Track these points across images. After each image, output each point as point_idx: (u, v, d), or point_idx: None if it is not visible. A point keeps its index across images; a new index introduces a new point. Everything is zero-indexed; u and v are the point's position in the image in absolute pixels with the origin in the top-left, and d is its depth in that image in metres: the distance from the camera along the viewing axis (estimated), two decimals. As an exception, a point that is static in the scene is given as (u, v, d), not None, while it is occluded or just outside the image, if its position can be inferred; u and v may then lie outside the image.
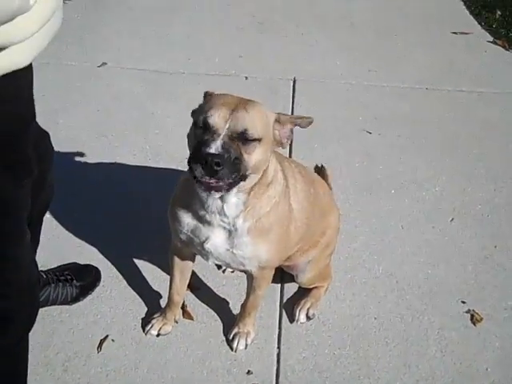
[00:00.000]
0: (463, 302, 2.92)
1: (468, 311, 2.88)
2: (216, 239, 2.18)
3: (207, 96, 2.05)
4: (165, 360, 2.66)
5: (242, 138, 1.85)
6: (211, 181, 1.85)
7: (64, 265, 2.88)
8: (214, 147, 1.79)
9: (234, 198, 2.05)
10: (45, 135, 2.16)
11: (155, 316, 2.74)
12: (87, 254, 3.00)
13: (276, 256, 2.31)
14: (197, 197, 2.09)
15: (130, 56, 4.16)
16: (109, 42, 4.38)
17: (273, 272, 2.46)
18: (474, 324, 2.84)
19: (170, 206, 2.29)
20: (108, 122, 3.70)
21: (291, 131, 2.03)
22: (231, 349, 2.69)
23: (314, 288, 2.82)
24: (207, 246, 2.20)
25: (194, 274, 2.80)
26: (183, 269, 2.56)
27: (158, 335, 2.72)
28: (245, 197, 2.06)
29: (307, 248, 2.59)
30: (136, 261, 2.99)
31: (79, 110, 3.76)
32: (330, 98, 3.97)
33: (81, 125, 3.67)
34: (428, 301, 2.92)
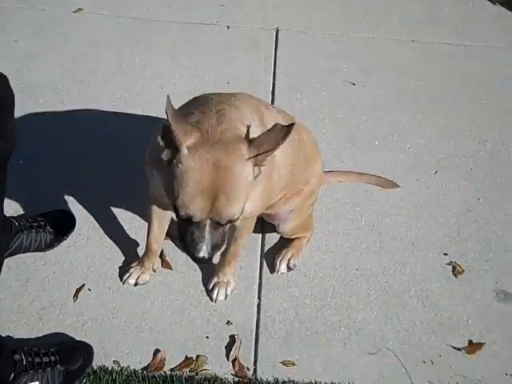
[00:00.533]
0: (445, 254, 2.89)
1: (450, 263, 2.86)
2: None
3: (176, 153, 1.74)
4: (143, 310, 2.61)
5: (226, 222, 1.81)
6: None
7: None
8: (202, 253, 1.81)
9: None
10: (2, 79, 2.03)
11: (133, 265, 2.68)
12: (63, 201, 2.92)
13: (260, 206, 2.23)
14: None
15: (106, 2, 4.00)
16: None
17: (254, 221, 2.40)
18: (456, 276, 2.82)
19: (148, 158, 2.16)
20: (84, 69, 3.57)
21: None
22: (211, 299, 2.64)
23: (295, 238, 2.77)
24: None
25: (172, 222, 2.73)
26: (161, 217, 2.49)
27: (135, 284, 2.66)
28: None
29: (290, 196, 2.52)
30: (113, 209, 2.91)
31: (54, 56, 3.62)
32: (314, 50, 3.87)
33: (56, 71, 3.54)
34: (410, 253, 2.89)
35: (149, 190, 2.32)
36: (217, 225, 1.79)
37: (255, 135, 1.78)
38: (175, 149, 1.72)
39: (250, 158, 1.73)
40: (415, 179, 3.19)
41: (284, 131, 1.70)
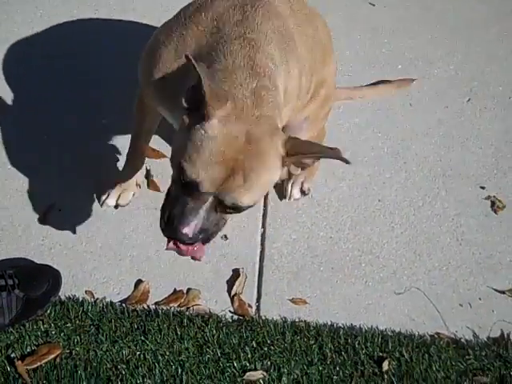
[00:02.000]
0: (482, 188, 2.46)
1: (488, 197, 2.43)
2: None
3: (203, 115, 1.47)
4: (123, 235, 2.17)
5: (229, 207, 1.49)
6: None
7: None
8: (191, 227, 1.48)
9: None
10: None
11: (109, 186, 2.22)
12: (32, 115, 2.46)
13: None
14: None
15: None
16: None
17: None
18: (495, 212, 2.39)
19: (147, 75, 1.77)
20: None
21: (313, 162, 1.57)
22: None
23: (306, 159, 2.32)
24: None
25: (160, 136, 2.30)
26: (152, 120, 2.06)
27: (116, 206, 2.20)
28: None
29: (306, 100, 2.08)
30: (89, 120, 2.45)
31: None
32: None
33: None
34: (441, 185, 2.45)
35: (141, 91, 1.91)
36: (218, 207, 1.49)
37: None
38: (201, 116, 1.44)
39: (283, 155, 1.49)
40: (445, 106, 2.75)
41: (331, 154, 1.51)
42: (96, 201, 2.23)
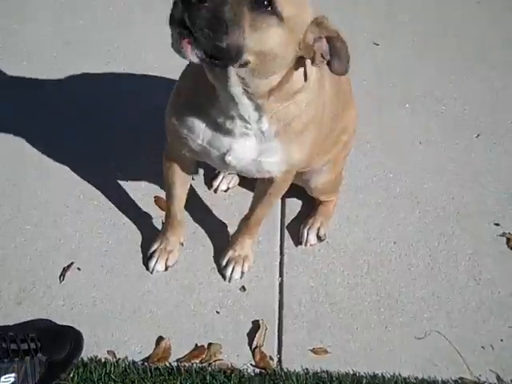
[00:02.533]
0: (497, 225, 2.47)
1: (503, 234, 2.43)
2: (240, 150, 1.71)
3: None
4: (142, 291, 2.19)
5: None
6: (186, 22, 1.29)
7: None
8: None
9: (247, 100, 1.56)
10: None
11: (155, 246, 2.25)
12: (47, 173, 2.49)
13: (306, 158, 1.84)
14: (212, 96, 1.61)
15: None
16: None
17: (294, 174, 1.97)
18: (511, 248, 2.38)
19: (172, 108, 1.78)
20: (72, 28, 3.14)
21: (330, 47, 1.48)
22: (224, 277, 2.22)
23: (320, 205, 2.35)
24: (229, 158, 1.73)
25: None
26: (183, 180, 2.07)
27: (166, 269, 2.23)
28: (260, 100, 1.56)
29: (328, 147, 2.11)
30: (105, 179, 2.48)
31: (37, 16, 3.20)
32: (333, 9, 3.44)
33: (38, 31, 3.11)
34: (455, 223, 2.46)
35: (169, 144, 1.92)
36: None
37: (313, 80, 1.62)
38: None
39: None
40: (454, 143, 2.77)
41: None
42: (115, 258, 2.25)
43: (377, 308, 2.19)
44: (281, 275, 2.26)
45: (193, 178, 2.29)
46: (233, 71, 1.45)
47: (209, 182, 2.48)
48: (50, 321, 2.08)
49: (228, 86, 1.51)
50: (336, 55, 1.48)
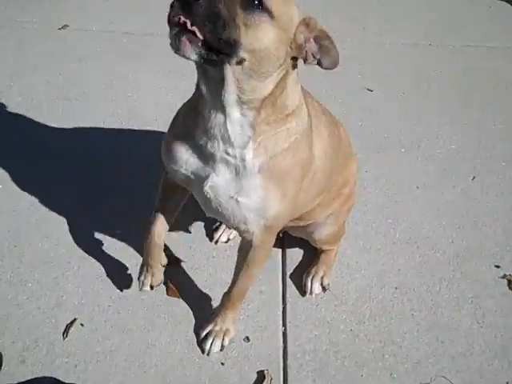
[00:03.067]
0: (497, 267, 2.49)
1: (504, 276, 2.45)
2: (217, 181, 1.69)
3: None
4: (146, 345, 2.18)
5: None
6: (183, 19, 1.37)
7: None
8: None
9: (238, 113, 1.57)
10: None
11: (140, 272, 2.21)
12: (47, 230, 2.51)
13: (287, 211, 1.82)
14: (198, 117, 1.64)
15: (94, 17, 3.67)
16: (70, 2, 3.87)
17: (274, 239, 1.96)
18: (514, 290, 2.40)
19: (165, 141, 1.81)
20: (72, 86, 3.22)
21: (320, 47, 1.55)
22: (202, 351, 2.17)
23: (322, 253, 2.37)
24: (206, 188, 1.72)
25: (179, 244, 2.35)
26: (173, 200, 2.05)
27: (151, 288, 2.20)
28: (252, 114, 1.58)
29: (328, 201, 2.13)
30: (104, 235, 2.50)
31: (37, 73, 3.28)
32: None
33: (40, 89, 3.18)
34: (456, 267, 2.48)
35: (165, 168, 1.90)
36: None
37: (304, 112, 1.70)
38: None
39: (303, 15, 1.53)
40: (452, 186, 2.80)
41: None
42: (118, 313, 2.25)
43: (381, 355, 2.18)
44: (284, 324, 2.26)
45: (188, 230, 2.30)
46: (229, 70, 1.47)
47: (210, 234, 2.49)
48: (55, 378, 2.06)
49: (222, 92, 1.52)
50: (325, 54, 1.55)
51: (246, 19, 1.40)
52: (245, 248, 1.94)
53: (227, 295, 2.13)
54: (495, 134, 3.06)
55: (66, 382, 2.05)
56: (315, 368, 2.15)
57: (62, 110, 3.07)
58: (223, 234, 2.46)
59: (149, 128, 2.90)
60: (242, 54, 1.44)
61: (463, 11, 3.96)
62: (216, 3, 1.36)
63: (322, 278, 2.33)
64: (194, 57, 1.41)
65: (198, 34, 1.38)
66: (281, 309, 2.31)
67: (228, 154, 1.65)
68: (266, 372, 2.10)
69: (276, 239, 2.01)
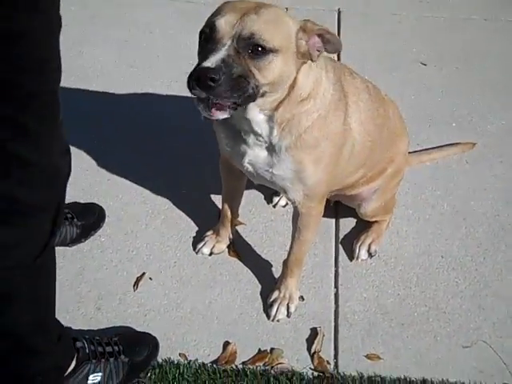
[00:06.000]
0: (540, 240, 2.60)
1: None
2: (254, 158, 1.92)
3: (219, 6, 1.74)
4: (209, 300, 2.38)
5: (252, 47, 1.59)
6: (210, 98, 1.58)
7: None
8: (212, 60, 1.54)
9: (259, 115, 1.79)
10: None
11: (207, 233, 2.51)
12: (116, 190, 2.73)
13: (324, 180, 1.99)
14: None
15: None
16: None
17: (322, 208, 2.14)
18: None
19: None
20: (138, 54, 3.39)
21: (322, 41, 1.71)
22: (268, 317, 2.34)
23: (374, 222, 2.52)
24: (245, 164, 1.95)
25: (240, 207, 2.52)
26: (235, 182, 2.34)
27: (210, 254, 2.50)
28: (272, 113, 1.78)
29: (372, 176, 2.28)
30: (173, 193, 2.70)
31: (105, 41, 3.45)
32: (379, 31, 3.64)
33: (108, 56, 3.36)
34: (500, 239, 2.62)
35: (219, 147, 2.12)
36: (240, 49, 1.58)
37: (324, 90, 1.84)
38: None
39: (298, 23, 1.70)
40: (499, 161, 2.91)
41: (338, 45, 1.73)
42: (183, 269, 2.45)
43: (426, 318, 2.34)
44: (336, 286, 2.43)
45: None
46: (251, 104, 1.70)
47: (269, 197, 2.66)
48: (128, 327, 2.28)
49: (247, 110, 1.75)
50: (329, 43, 1.71)
51: (257, 65, 1.61)
52: (295, 215, 2.14)
53: (286, 262, 2.30)
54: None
55: (138, 329, 2.26)
56: (364, 328, 2.32)
57: (129, 76, 3.25)
58: (281, 198, 2.63)
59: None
60: (263, 89, 1.66)
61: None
62: (232, 70, 1.55)
63: (369, 245, 2.49)
64: (229, 115, 1.65)
65: (225, 104, 1.60)
66: (333, 272, 2.48)
67: (259, 140, 1.87)
68: (318, 329, 2.29)
69: (328, 207, 2.18)
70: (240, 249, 2.52)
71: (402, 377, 2.19)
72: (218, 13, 1.65)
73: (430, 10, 3.78)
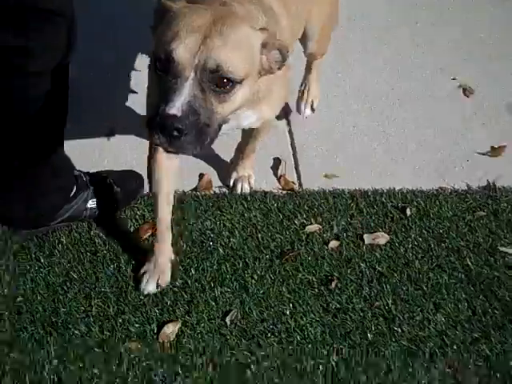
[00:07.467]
0: (453, 79, 3.06)
1: (459, 86, 3.02)
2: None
3: (166, 12, 1.54)
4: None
5: (217, 81, 1.44)
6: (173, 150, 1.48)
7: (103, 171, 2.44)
8: (178, 105, 1.39)
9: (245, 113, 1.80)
10: None
11: (144, 268, 2.20)
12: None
13: (279, 107, 2.03)
14: None
15: None
16: None
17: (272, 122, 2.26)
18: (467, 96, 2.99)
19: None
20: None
21: (280, 52, 1.59)
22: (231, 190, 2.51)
23: (311, 75, 2.76)
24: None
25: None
26: (169, 169, 2.07)
27: (157, 287, 2.18)
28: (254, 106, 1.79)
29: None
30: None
31: None
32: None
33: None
34: (398, 107, 2.98)
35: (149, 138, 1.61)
36: (204, 83, 1.42)
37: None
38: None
39: (261, 31, 1.56)
40: (386, 47, 3.22)
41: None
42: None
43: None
44: (289, 124, 2.79)
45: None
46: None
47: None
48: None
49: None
50: (284, 57, 1.59)
51: (222, 99, 1.47)
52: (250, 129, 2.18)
53: (240, 151, 2.43)
54: None
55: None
56: (319, 154, 2.68)
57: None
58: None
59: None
60: (228, 118, 1.57)
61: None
62: (198, 119, 1.42)
63: (312, 102, 2.81)
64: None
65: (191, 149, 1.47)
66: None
67: None
68: (280, 157, 2.62)
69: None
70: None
71: (358, 188, 2.55)
72: (173, 35, 1.43)
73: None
